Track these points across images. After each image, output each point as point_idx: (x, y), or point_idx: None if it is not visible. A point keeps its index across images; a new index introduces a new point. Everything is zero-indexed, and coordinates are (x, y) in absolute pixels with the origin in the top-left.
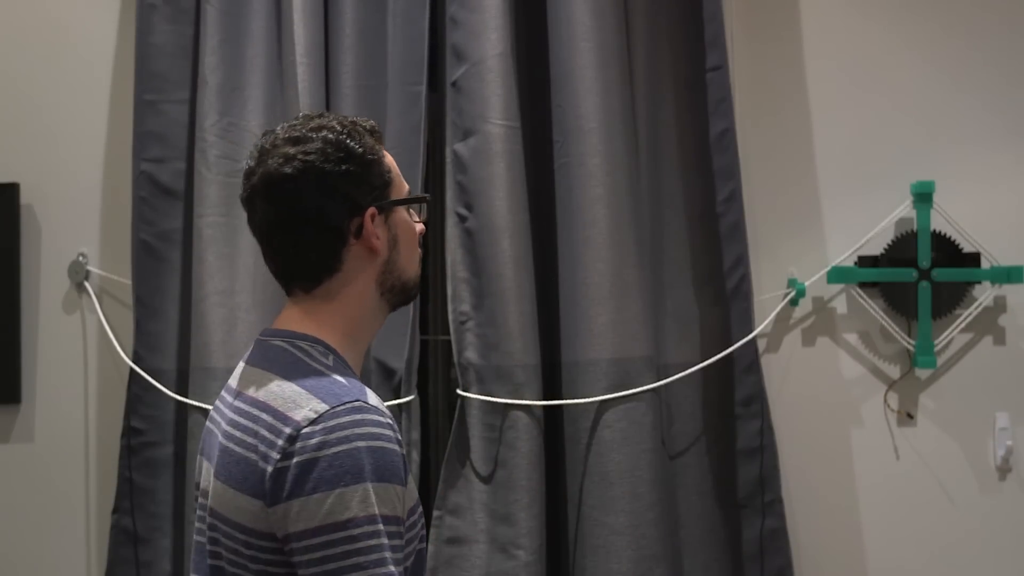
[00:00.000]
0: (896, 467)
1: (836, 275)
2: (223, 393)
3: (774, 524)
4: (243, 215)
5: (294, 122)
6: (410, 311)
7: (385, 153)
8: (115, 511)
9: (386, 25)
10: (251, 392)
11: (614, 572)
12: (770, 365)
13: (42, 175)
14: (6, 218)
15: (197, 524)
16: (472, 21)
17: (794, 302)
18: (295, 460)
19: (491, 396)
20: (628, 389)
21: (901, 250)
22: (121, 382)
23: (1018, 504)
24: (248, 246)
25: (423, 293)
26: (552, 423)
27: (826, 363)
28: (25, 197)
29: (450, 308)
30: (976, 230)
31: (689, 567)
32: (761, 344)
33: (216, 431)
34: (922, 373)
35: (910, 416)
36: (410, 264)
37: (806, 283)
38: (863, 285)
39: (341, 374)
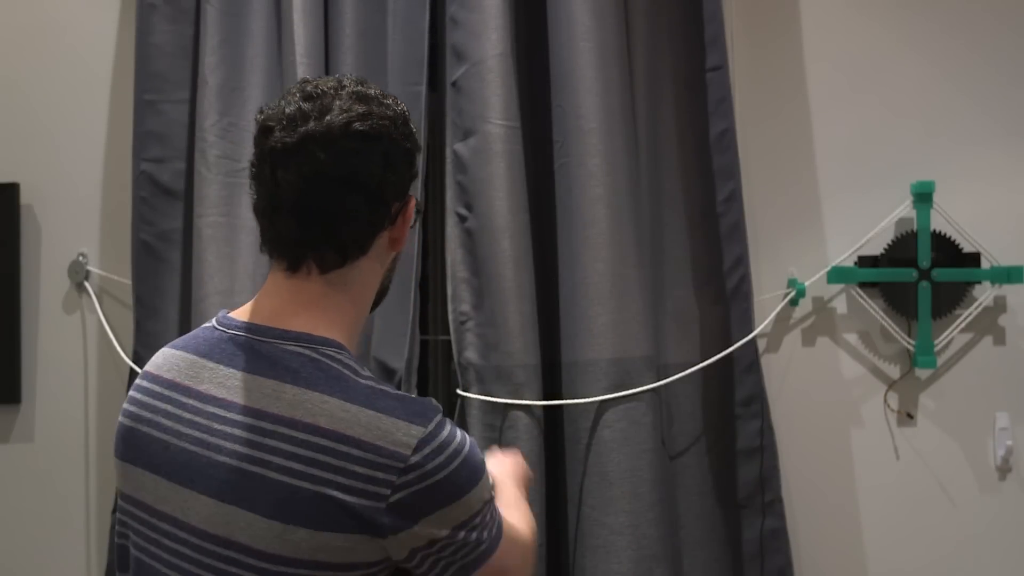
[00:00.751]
0: (896, 467)
1: (836, 275)
2: (173, 395)
3: (774, 524)
4: (244, 215)
5: (341, 81)
6: (410, 311)
7: None
8: (115, 511)
9: (386, 25)
10: (307, 418)
11: (614, 572)
12: (770, 365)
13: (42, 175)
14: (6, 218)
15: (148, 547)
16: (472, 21)
17: (794, 302)
18: (412, 490)
19: (491, 396)
20: (628, 389)
21: (901, 250)
22: (121, 382)
23: (1018, 504)
24: (248, 246)
25: (423, 293)
26: (552, 423)
27: (826, 363)
28: (25, 197)
29: (450, 308)
30: (976, 230)
31: (689, 567)
32: (761, 344)
33: (184, 444)
34: (922, 373)
35: (910, 416)
36: (394, 265)
37: (806, 283)
38: (863, 285)
39: (388, 384)
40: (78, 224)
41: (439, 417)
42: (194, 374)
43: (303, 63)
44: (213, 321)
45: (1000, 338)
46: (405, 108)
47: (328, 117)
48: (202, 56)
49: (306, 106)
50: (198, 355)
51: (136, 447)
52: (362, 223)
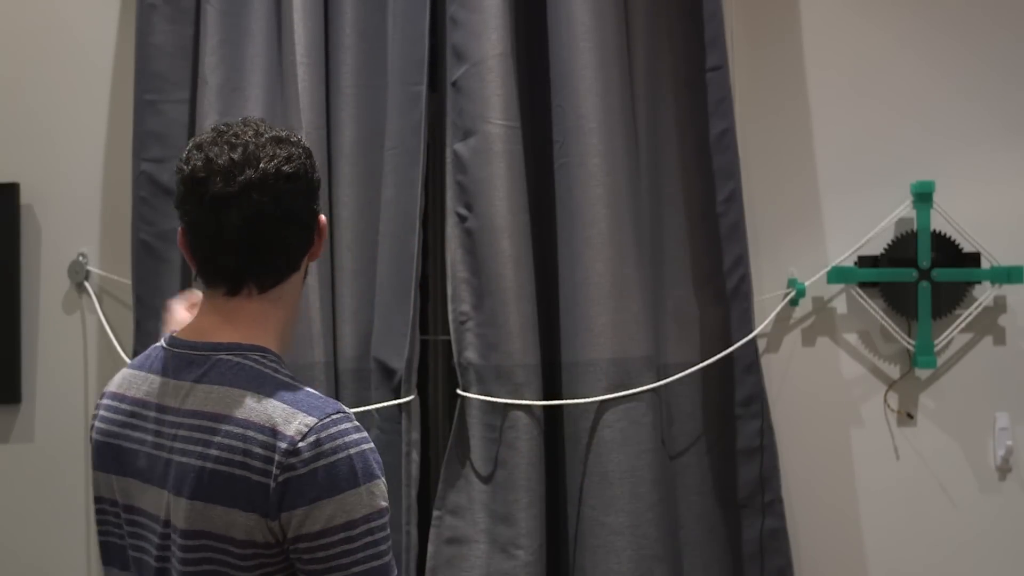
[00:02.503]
0: (896, 467)
1: (836, 275)
2: (127, 406)
3: (774, 524)
4: None
5: (250, 124)
6: (410, 311)
7: None
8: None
9: (386, 25)
10: (224, 410)
11: (614, 572)
12: (770, 365)
13: (42, 175)
14: (6, 218)
15: (131, 541)
16: (472, 21)
17: (794, 302)
18: (295, 473)
19: (491, 396)
20: (628, 389)
21: (901, 250)
22: None
23: (1018, 504)
24: None
25: (423, 293)
26: (552, 423)
27: (826, 363)
28: (25, 197)
29: (450, 308)
30: (976, 230)
31: (689, 567)
32: (761, 344)
33: (135, 446)
34: (922, 373)
35: (910, 416)
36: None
37: (806, 283)
38: (863, 285)
39: (307, 384)
40: (78, 224)
41: (338, 415)
42: (148, 389)
43: (303, 63)
44: (162, 341)
45: (1000, 338)
46: (306, 146)
47: (261, 165)
48: (202, 56)
49: (236, 156)
50: (151, 372)
51: (115, 456)
52: (297, 248)
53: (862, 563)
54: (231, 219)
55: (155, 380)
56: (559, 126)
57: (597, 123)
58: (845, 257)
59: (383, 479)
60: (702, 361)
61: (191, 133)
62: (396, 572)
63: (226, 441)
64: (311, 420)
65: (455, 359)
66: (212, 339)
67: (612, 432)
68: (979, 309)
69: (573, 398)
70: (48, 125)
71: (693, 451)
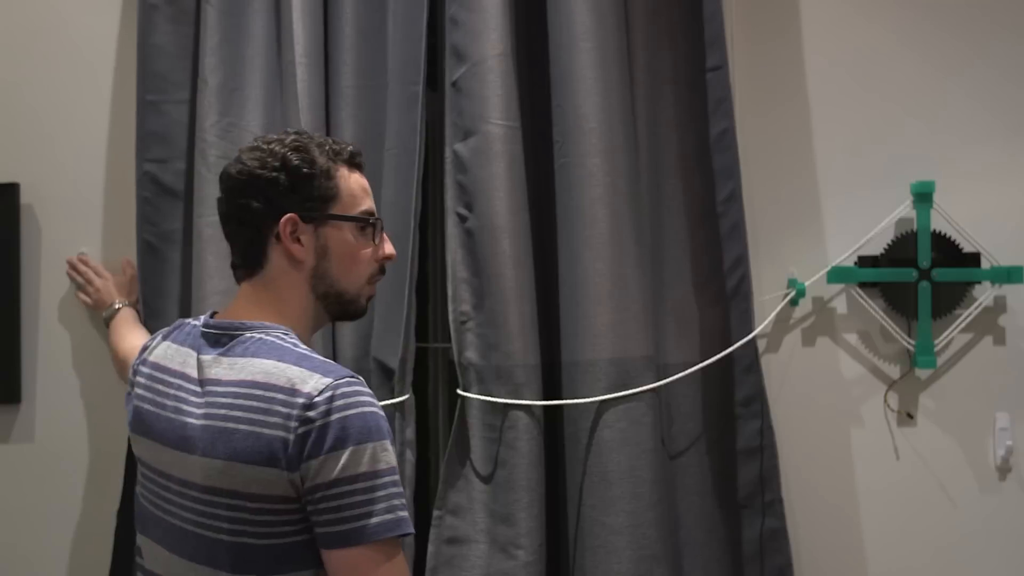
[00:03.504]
0: (896, 467)
1: (836, 275)
2: (165, 377)
3: (774, 524)
4: None
5: (269, 136)
6: (403, 311)
7: (343, 171)
8: (120, 511)
9: (386, 24)
10: (247, 376)
11: (614, 572)
12: (770, 365)
13: (42, 175)
14: (6, 218)
15: (166, 506)
16: (472, 21)
17: (794, 302)
18: (313, 425)
19: (491, 396)
20: (628, 389)
21: (901, 250)
22: (121, 383)
23: (1018, 504)
24: None
25: (423, 294)
26: (552, 423)
27: (826, 363)
28: (25, 197)
29: (450, 308)
30: (976, 230)
31: (689, 567)
32: (761, 344)
33: (169, 414)
34: (922, 373)
35: (910, 416)
36: (347, 278)
37: (806, 283)
38: (863, 285)
39: (319, 355)
40: (78, 224)
41: (351, 379)
42: (182, 360)
43: (302, 63)
44: (201, 319)
45: (1000, 338)
46: (302, 143)
47: (229, 171)
48: (202, 56)
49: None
50: (186, 346)
51: (143, 420)
52: (249, 243)
53: (862, 563)
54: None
55: (190, 354)
56: (559, 126)
57: (597, 123)
58: (845, 257)
59: (392, 443)
60: (702, 361)
61: (191, 134)
62: (411, 529)
63: (249, 403)
64: (328, 380)
65: (455, 359)
66: (238, 318)
67: (612, 432)
68: (979, 309)
69: (573, 398)
70: (48, 125)
71: (693, 451)
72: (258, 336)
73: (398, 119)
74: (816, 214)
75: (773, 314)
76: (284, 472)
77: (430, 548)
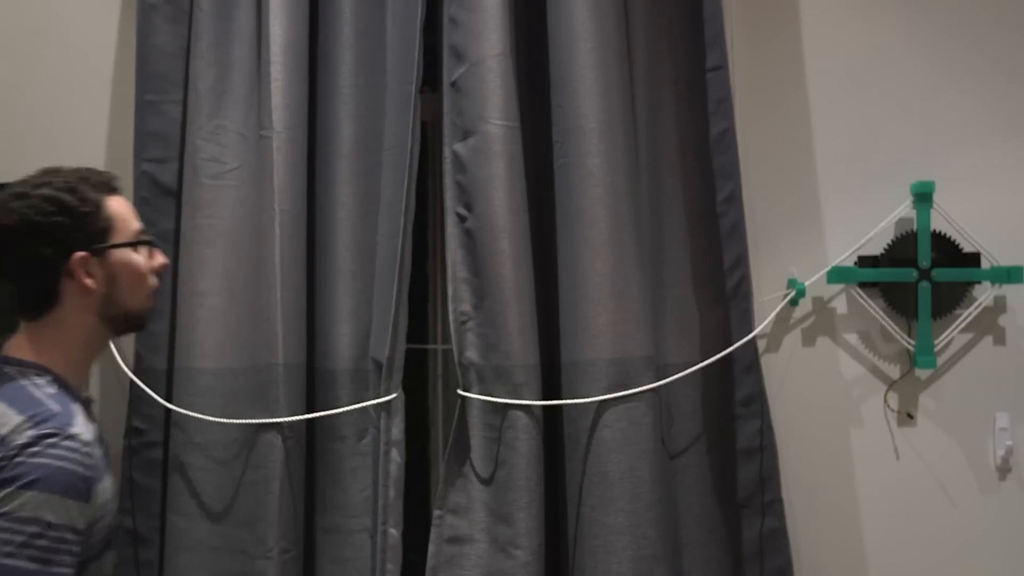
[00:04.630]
0: (896, 467)
1: (836, 275)
2: None
3: (774, 524)
4: (224, 218)
5: (27, 178)
6: (392, 309)
7: (110, 201)
8: (118, 511)
9: (385, 24)
10: None
11: (614, 572)
12: (770, 365)
13: None
14: None
15: None
16: (472, 21)
17: (794, 302)
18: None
19: (491, 396)
20: (628, 389)
21: (901, 250)
22: (121, 384)
23: (1018, 504)
24: (228, 249)
25: (423, 294)
26: (552, 423)
27: (826, 363)
28: None
29: (450, 308)
30: (976, 230)
31: (689, 567)
32: (761, 344)
33: None
34: (922, 373)
35: (910, 416)
36: (132, 298)
37: (806, 283)
38: (863, 285)
39: (56, 400)
40: None
41: (48, 425)
42: None
43: (277, 61)
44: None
45: (1000, 338)
46: (70, 183)
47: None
48: (192, 59)
49: None
50: None
51: None
52: (37, 287)
53: (862, 563)
54: None
55: None
56: (559, 126)
57: (597, 123)
58: (845, 257)
59: (80, 501)
60: (702, 361)
61: (183, 134)
62: None
63: None
64: (19, 419)
65: (456, 359)
66: (14, 354)
67: (612, 432)
68: (979, 309)
69: (573, 398)
70: (48, 125)
71: (693, 451)
72: (9, 372)
73: (397, 119)
74: (816, 214)
75: (773, 314)
76: None
77: (431, 547)
